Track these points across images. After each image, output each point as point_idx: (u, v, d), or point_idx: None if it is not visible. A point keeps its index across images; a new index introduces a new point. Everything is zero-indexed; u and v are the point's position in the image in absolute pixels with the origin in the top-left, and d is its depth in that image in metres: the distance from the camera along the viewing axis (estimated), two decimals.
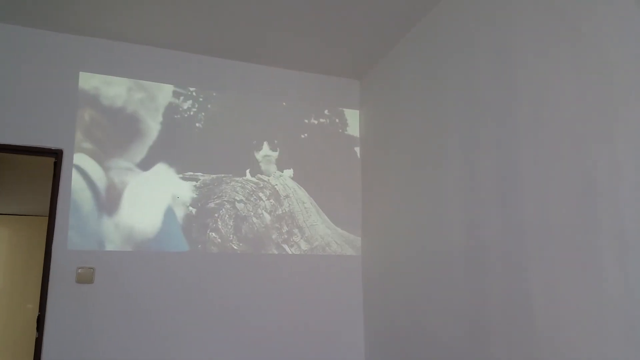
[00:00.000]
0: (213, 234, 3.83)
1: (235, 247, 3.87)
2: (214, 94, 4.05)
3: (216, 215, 3.87)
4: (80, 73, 3.71)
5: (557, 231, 2.21)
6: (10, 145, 3.48)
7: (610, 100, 2.00)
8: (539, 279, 2.29)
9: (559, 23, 2.29)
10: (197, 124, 3.95)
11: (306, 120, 4.31)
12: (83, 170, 3.59)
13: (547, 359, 2.22)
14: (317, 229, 4.15)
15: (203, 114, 3.99)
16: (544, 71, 2.36)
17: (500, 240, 2.58)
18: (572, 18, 2.22)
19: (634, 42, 1.92)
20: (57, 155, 3.57)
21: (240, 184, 3.98)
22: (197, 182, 3.86)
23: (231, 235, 3.88)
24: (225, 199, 3.92)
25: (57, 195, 3.51)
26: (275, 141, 4.17)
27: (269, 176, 4.09)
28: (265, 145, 4.14)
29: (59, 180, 3.54)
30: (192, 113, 3.96)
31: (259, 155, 4.09)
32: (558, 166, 2.23)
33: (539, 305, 2.28)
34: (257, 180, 4.04)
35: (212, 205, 3.87)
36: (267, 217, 4.02)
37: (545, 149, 2.32)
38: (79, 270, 3.44)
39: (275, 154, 4.15)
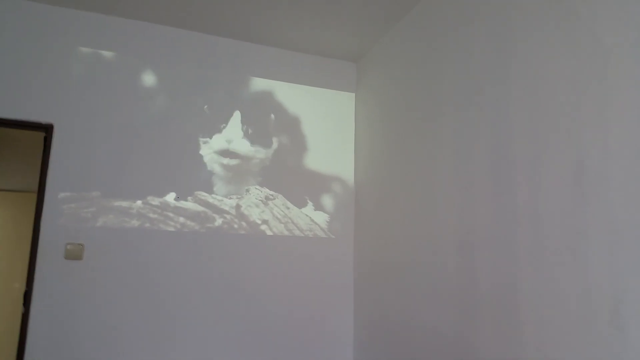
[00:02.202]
0: (205, 212, 3.79)
1: (226, 228, 3.84)
2: (202, 72, 3.98)
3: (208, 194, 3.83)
4: (75, 47, 3.64)
5: (548, 219, 2.22)
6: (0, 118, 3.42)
7: (603, 87, 2.00)
8: (529, 267, 2.30)
9: (556, 8, 2.28)
10: (195, 102, 3.89)
11: (301, 102, 4.26)
12: (74, 145, 3.52)
13: (534, 347, 2.23)
14: (310, 213, 4.13)
15: (197, 92, 3.93)
16: (539, 57, 2.35)
17: (491, 227, 2.59)
18: (569, 3, 2.21)
19: (630, 28, 1.91)
20: (47, 130, 3.50)
21: (233, 162, 3.94)
22: (195, 164, 3.82)
23: (227, 215, 3.85)
24: (217, 177, 3.88)
25: (46, 171, 3.45)
26: (270, 122, 4.12)
27: (259, 154, 4.05)
28: (257, 127, 4.09)
29: (49, 156, 3.47)
30: (187, 90, 3.89)
31: (248, 136, 4.04)
32: (550, 154, 2.24)
33: (528, 293, 2.29)
34: (246, 158, 4.00)
35: (205, 183, 3.83)
36: (260, 196, 3.98)
37: (538, 136, 2.32)
38: (68, 247, 3.39)
39: (268, 134, 4.11)
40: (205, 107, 3.89)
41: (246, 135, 4.02)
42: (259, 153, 4.05)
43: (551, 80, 2.27)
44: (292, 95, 4.25)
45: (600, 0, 2.05)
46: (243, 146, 4.00)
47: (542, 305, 2.20)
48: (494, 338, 2.49)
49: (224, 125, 3.96)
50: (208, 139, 3.89)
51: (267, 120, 4.12)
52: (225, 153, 3.94)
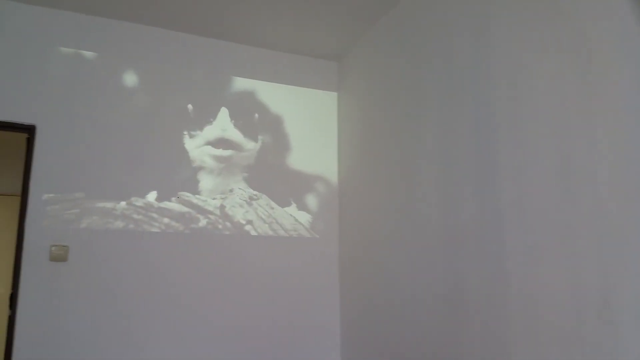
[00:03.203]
0: (190, 213, 3.82)
1: (211, 228, 3.86)
2: (184, 72, 4.00)
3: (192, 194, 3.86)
4: (56, 47, 3.64)
5: (534, 212, 2.22)
6: None
7: (587, 82, 2.00)
8: (515, 260, 2.31)
9: (539, 4, 2.29)
10: (177, 102, 3.91)
11: (283, 101, 4.30)
12: (57, 146, 3.52)
13: (522, 340, 2.24)
14: (294, 212, 4.17)
15: (179, 91, 3.95)
16: (523, 52, 2.36)
17: (476, 220, 2.60)
18: (552, 0, 2.22)
19: (614, 21, 1.91)
20: (30, 131, 3.49)
21: (217, 162, 3.97)
22: (178, 165, 3.84)
23: (211, 216, 3.87)
24: (203, 177, 3.90)
25: (29, 172, 3.45)
26: (251, 123, 4.16)
27: (242, 154, 4.08)
28: (240, 127, 4.12)
29: (32, 157, 3.47)
30: (169, 90, 3.91)
31: (231, 136, 4.07)
32: (535, 147, 2.24)
33: (515, 285, 2.30)
34: (229, 158, 4.03)
35: (189, 183, 3.86)
36: (244, 196, 4.01)
37: (522, 130, 2.33)
38: (53, 248, 3.40)
39: (250, 135, 4.14)
40: (189, 106, 3.91)
41: (228, 136, 4.05)
42: (242, 153, 4.08)
43: (535, 75, 2.27)
44: (274, 95, 4.28)
45: None
46: (227, 150, 4.02)
47: (532, 301, 2.20)
48: (482, 335, 2.50)
49: (204, 126, 3.98)
50: (190, 142, 3.90)
51: (251, 119, 4.15)
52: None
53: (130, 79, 3.82)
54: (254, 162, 4.11)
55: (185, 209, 3.81)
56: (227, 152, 4.02)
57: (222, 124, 4.04)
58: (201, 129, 3.97)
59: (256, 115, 4.17)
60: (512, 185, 2.37)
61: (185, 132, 3.91)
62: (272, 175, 4.15)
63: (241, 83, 4.17)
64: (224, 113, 4.06)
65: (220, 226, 3.90)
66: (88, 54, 3.73)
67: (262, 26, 3.92)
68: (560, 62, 2.15)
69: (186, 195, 3.83)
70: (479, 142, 2.63)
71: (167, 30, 3.98)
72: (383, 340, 3.46)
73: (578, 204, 2.01)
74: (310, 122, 4.38)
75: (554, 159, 2.14)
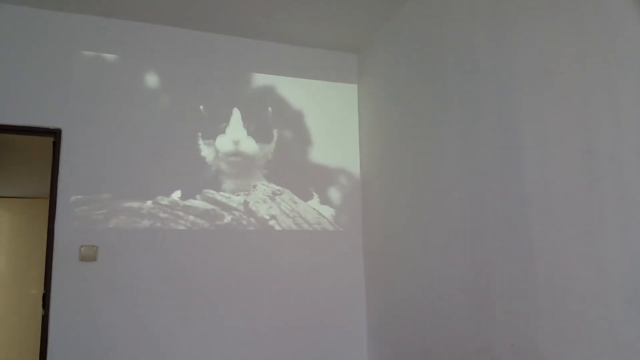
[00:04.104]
0: (214, 210, 3.85)
1: (235, 224, 3.89)
2: (205, 71, 4.03)
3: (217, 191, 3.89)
4: (78, 52, 3.70)
5: (559, 203, 2.19)
6: (8, 125, 3.48)
7: (612, 65, 1.96)
8: (541, 250, 2.28)
9: None
10: (198, 101, 3.95)
11: (303, 96, 4.30)
12: (82, 148, 3.59)
13: (548, 328, 2.22)
14: (317, 206, 4.17)
15: (199, 90, 3.98)
16: (545, 38, 2.32)
17: (501, 214, 2.56)
18: None
19: (638, 6, 1.87)
20: (56, 135, 3.57)
21: (239, 159, 4.00)
22: (202, 162, 3.88)
23: (235, 212, 3.90)
24: (224, 174, 3.94)
25: (57, 175, 3.52)
26: (271, 117, 4.17)
27: (263, 149, 4.10)
28: (260, 123, 4.13)
29: (58, 160, 3.54)
30: (190, 89, 3.95)
31: (252, 132, 4.09)
32: (559, 136, 2.20)
33: (541, 275, 2.27)
34: (250, 154, 4.05)
35: (213, 181, 3.89)
36: (267, 192, 4.03)
37: (546, 118, 2.29)
38: (82, 249, 3.47)
39: (271, 129, 4.15)
40: (201, 107, 3.94)
41: (249, 132, 4.07)
42: (264, 148, 4.10)
43: (558, 61, 2.23)
44: (293, 90, 4.28)
45: None
46: (249, 146, 4.05)
47: (558, 292, 2.17)
48: (509, 328, 2.47)
49: (225, 124, 4.01)
50: (212, 140, 3.94)
51: (265, 114, 4.16)
52: (232, 153, 3.99)
53: (151, 79, 3.87)
54: (274, 157, 4.12)
55: (209, 206, 3.85)
56: (250, 152, 4.04)
57: (243, 121, 4.06)
58: (222, 126, 4.00)
59: (269, 108, 4.17)
60: (536, 176, 2.33)
61: (207, 131, 3.94)
62: (294, 170, 4.17)
63: (261, 79, 4.19)
64: (245, 110, 4.08)
65: (244, 222, 3.93)
66: (110, 56, 3.78)
67: (280, 21, 3.92)
68: (583, 47, 2.10)
69: (210, 193, 3.87)
70: (502, 133, 2.59)
71: (187, 30, 4.01)
72: (409, 333, 3.44)
73: (603, 194, 1.97)
74: (331, 115, 4.37)
75: (579, 149, 2.10)
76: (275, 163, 4.12)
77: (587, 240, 2.04)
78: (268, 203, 4.03)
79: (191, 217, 3.78)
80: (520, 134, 2.45)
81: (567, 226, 2.14)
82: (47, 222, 3.50)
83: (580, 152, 2.09)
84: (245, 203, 3.96)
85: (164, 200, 3.73)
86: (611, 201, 1.94)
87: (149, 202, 3.69)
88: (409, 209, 3.52)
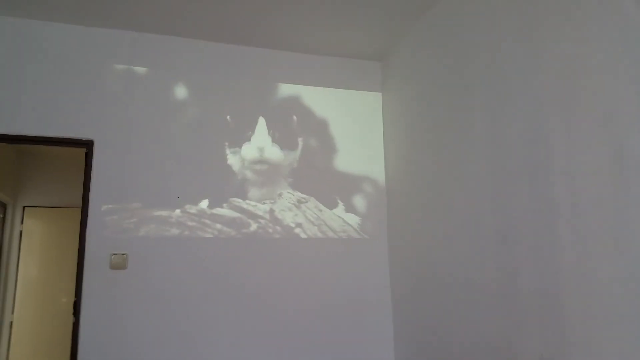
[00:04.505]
0: (240, 218, 3.89)
1: (261, 232, 3.93)
2: (231, 82, 4.09)
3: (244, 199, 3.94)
4: (110, 65, 3.80)
5: (587, 206, 2.16)
6: (42, 137, 3.60)
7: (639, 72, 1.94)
8: (570, 257, 2.26)
9: None
10: (225, 112, 4.01)
11: (327, 104, 4.33)
12: (113, 159, 3.68)
13: (578, 339, 2.19)
14: (342, 214, 4.18)
15: (226, 101, 4.04)
16: (573, 44, 2.30)
17: (529, 220, 2.54)
18: None
19: None
20: (88, 146, 3.66)
21: (264, 168, 4.04)
22: (229, 171, 3.93)
23: (261, 220, 3.94)
24: (249, 183, 3.98)
25: (89, 185, 3.61)
26: (296, 125, 4.20)
27: (288, 158, 4.13)
28: (286, 132, 4.17)
29: (90, 170, 3.63)
30: (217, 100, 4.01)
31: (278, 141, 4.13)
32: (587, 141, 2.18)
33: (572, 285, 2.24)
34: (278, 163, 4.09)
35: (239, 189, 3.94)
36: (292, 200, 4.06)
37: (574, 124, 2.27)
38: (113, 257, 3.54)
39: (296, 137, 4.19)
40: (228, 117, 4.00)
41: (274, 140, 4.11)
42: (289, 156, 4.13)
43: (587, 65, 2.21)
44: (318, 99, 4.32)
45: None
46: (274, 153, 4.09)
47: (587, 297, 2.14)
48: (538, 335, 2.44)
49: (251, 132, 4.06)
50: (238, 149, 3.99)
51: (290, 122, 4.20)
52: (257, 161, 4.04)
53: (180, 91, 3.95)
54: (299, 165, 4.15)
55: (236, 214, 3.90)
56: (275, 159, 4.08)
57: (267, 130, 4.11)
58: (248, 136, 4.05)
59: (294, 117, 4.21)
60: (565, 183, 2.31)
61: (234, 140, 4.00)
62: (319, 178, 4.19)
63: (286, 89, 4.23)
64: (270, 118, 4.13)
65: (270, 230, 3.96)
66: (140, 69, 3.87)
67: (304, 32, 3.97)
68: (612, 50, 2.08)
69: (237, 201, 3.91)
70: (530, 138, 2.56)
71: (214, 43, 4.09)
72: (437, 341, 3.41)
73: (631, 197, 1.95)
74: (355, 123, 4.39)
75: (608, 150, 2.07)
76: (301, 171, 4.15)
77: (617, 247, 2.01)
78: (293, 211, 4.06)
79: (218, 225, 3.83)
80: (549, 141, 2.43)
81: (597, 233, 2.11)
82: (78, 230, 3.58)
83: (608, 158, 2.07)
84: (271, 211, 4.00)
85: (192, 209, 3.79)
86: (638, 205, 1.91)
87: (178, 211, 3.75)
88: (434, 216, 3.50)
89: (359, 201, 4.26)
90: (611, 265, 2.03)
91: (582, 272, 2.19)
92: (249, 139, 4.04)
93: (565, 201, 2.31)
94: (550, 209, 2.39)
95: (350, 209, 4.22)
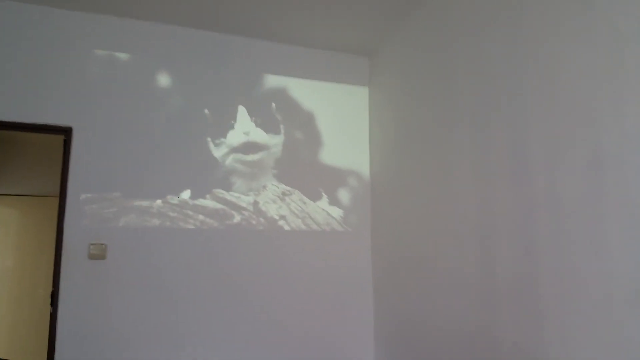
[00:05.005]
0: (224, 210, 3.84)
1: (245, 224, 3.88)
2: (217, 71, 4.02)
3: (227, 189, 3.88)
4: (90, 51, 3.70)
5: (566, 206, 2.22)
6: (19, 123, 3.48)
7: (620, 72, 1.99)
8: (548, 254, 2.31)
9: None
10: (208, 101, 3.94)
11: (314, 97, 4.29)
12: (93, 147, 3.59)
13: (552, 326, 2.25)
14: (326, 207, 4.16)
15: (210, 90, 3.97)
16: (554, 43, 2.35)
17: (510, 216, 2.59)
18: None
19: None
20: (66, 133, 3.57)
21: (249, 159, 3.99)
22: (212, 162, 3.87)
23: (245, 212, 3.89)
24: (234, 174, 3.93)
25: (67, 173, 3.52)
26: (282, 118, 4.16)
27: (272, 150, 4.09)
28: (269, 123, 4.13)
29: (69, 158, 3.54)
30: (201, 89, 3.94)
31: (262, 133, 4.08)
32: (567, 140, 2.24)
33: (548, 280, 2.30)
34: (261, 154, 4.05)
35: (222, 180, 3.89)
36: (277, 192, 4.02)
37: (554, 124, 2.32)
38: (91, 247, 3.46)
39: (282, 131, 4.14)
40: (210, 107, 3.92)
41: (258, 125, 4.06)
42: (274, 139, 4.09)
43: (567, 67, 2.26)
44: (304, 91, 4.27)
45: None
46: (259, 135, 4.04)
47: (563, 292, 2.21)
48: (516, 327, 2.50)
49: (234, 121, 4.00)
50: (223, 139, 3.93)
51: (272, 110, 4.14)
52: (245, 146, 3.98)
53: (163, 79, 3.87)
54: (283, 155, 4.11)
55: (219, 206, 3.84)
56: (262, 142, 4.04)
57: (253, 121, 4.06)
58: (232, 127, 3.99)
59: (273, 104, 4.15)
60: (544, 180, 2.36)
61: (218, 130, 3.94)
62: (304, 171, 4.16)
63: (272, 80, 4.18)
64: (254, 109, 4.07)
65: (254, 222, 3.92)
66: (122, 55, 3.78)
67: (292, 23, 3.92)
68: (592, 54, 2.13)
69: (220, 192, 3.86)
70: (512, 134, 2.61)
71: (199, 30, 4.01)
72: (417, 332, 3.45)
73: (608, 194, 2.02)
74: (341, 117, 4.36)
75: (586, 150, 2.14)
76: (285, 164, 4.11)
77: (592, 242, 2.08)
78: (278, 203, 4.02)
79: (201, 217, 3.77)
80: (530, 138, 2.48)
81: (573, 228, 2.18)
82: (56, 220, 3.50)
83: (586, 156, 2.13)
84: (255, 203, 3.95)
85: (174, 200, 3.72)
86: (616, 204, 1.98)
87: (159, 201, 3.68)
88: (417, 211, 3.52)
89: (343, 194, 4.24)
90: (587, 259, 2.10)
91: (558, 265, 2.25)
92: (232, 127, 3.98)
93: (544, 199, 2.36)
94: (530, 206, 2.44)
95: (334, 202, 4.20)
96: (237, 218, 3.88)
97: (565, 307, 2.19)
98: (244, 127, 4.01)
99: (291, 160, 4.13)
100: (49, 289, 3.52)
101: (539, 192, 2.39)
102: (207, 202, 3.82)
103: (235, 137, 3.97)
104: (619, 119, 1.98)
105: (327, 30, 4.04)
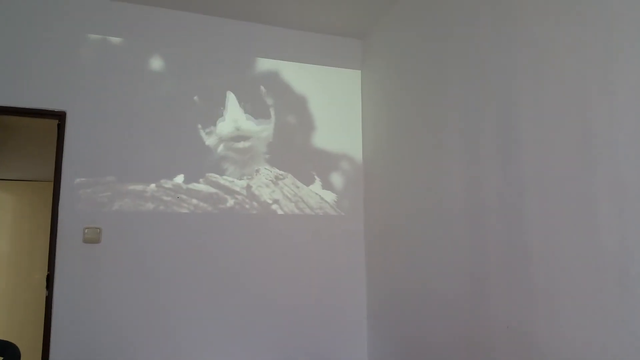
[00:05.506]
0: (217, 194, 3.87)
1: (238, 208, 3.91)
2: (209, 55, 4.02)
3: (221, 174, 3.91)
4: (84, 34, 3.69)
5: (555, 185, 2.23)
6: (13, 107, 3.48)
7: (609, 52, 2.00)
8: (537, 233, 2.33)
9: None
10: (202, 85, 3.95)
11: (306, 81, 4.30)
12: (87, 131, 3.60)
13: (544, 312, 2.27)
14: (319, 191, 4.19)
15: (203, 74, 3.98)
16: (544, 26, 2.35)
17: (499, 195, 2.61)
18: None
19: None
20: (60, 117, 3.57)
21: (242, 143, 4.01)
22: (206, 145, 3.89)
23: (238, 196, 3.92)
24: (227, 159, 3.95)
25: (61, 158, 3.54)
26: (274, 101, 4.17)
27: (264, 133, 4.11)
28: (264, 106, 4.14)
29: (63, 143, 3.55)
30: (194, 73, 3.95)
31: (255, 116, 4.10)
32: (557, 120, 2.24)
33: (537, 258, 2.32)
34: (253, 138, 4.07)
35: (218, 165, 3.91)
36: (270, 176, 4.05)
37: (544, 103, 2.32)
38: (86, 231, 3.49)
39: (273, 115, 4.15)
40: (203, 91, 3.93)
41: (247, 111, 4.07)
42: (265, 124, 4.10)
43: (556, 47, 2.26)
44: (297, 74, 4.28)
45: None
46: (250, 120, 4.06)
47: (552, 270, 2.22)
48: (506, 304, 2.53)
49: (223, 108, 4.01)
50: (214, 124, 3.95)
51: (262, 94, 4.15)
52: (234, 136, 4.00)
53: (156, 63, 3.87)
54: (275, 139, 4.13)
55: (213, 190, 3.87)
56: (251, 131, 4.05)
57: (243, 107, 4.07)
58: (225, 110, 4.00)
59: (262, 87, 4.16)
60: (534, 162, 2.38)
61: (210, 114, 3.95)
62: (297, 155, 4.18)
63: (264, 64, 4.18)
64: (244, 92, 4.08)
65: (247, 206, 3.95)
66: (115, 39, 3.78)
67: (285, 6, 3.91)
68: (581, 38, 2.13)
69: (213, 177, 3.89)
70: (502, 116, 2.62)
71: (192, 13, 4.00)
72: (409, 316, 3.49)
73: (598, 178, 2.02)
74: (334, 101, 4.38)
75: (575, 132, 2.14)
76: (278, 148, 4.13)
77: (581, 224, 2.09)
78: (271, 187, 4.05)
79: (194, 201, 3.81)
80: (519, 116, 2.48)
81: (563, 210, 2.19)
82: (50, 204, 3.52)
83: (576, 138, 2.13)
84: (248, 187, 3.98)
85: (168, 184, 3.75)
86: (605, 185, 1.99)
87: (153, 185, 3.71)
88: (409, 194, 3.55)
89: (336, 178, 4.27)
90: (576, 241, 2.11)
91: (548, 247, 2.26)
92: (223, 113, 3.99)
93: (533, 181, 2.37)
94: (520, 189, 2.46)
95: (327, 186, 4.23)
96: (230, 202, 3.91)
97: (555, 288, 2.21)
98: (234, 112, 4.03)
99: (284, 144, 4.16)
100: (45, 273, 3.56)
101: (529, 175, 2.40)
102: (201, 186, 3.84)
103: (225, 125, 3.98)
104: (608, 102, 1.99)
105: (320, 13, 4.03)
